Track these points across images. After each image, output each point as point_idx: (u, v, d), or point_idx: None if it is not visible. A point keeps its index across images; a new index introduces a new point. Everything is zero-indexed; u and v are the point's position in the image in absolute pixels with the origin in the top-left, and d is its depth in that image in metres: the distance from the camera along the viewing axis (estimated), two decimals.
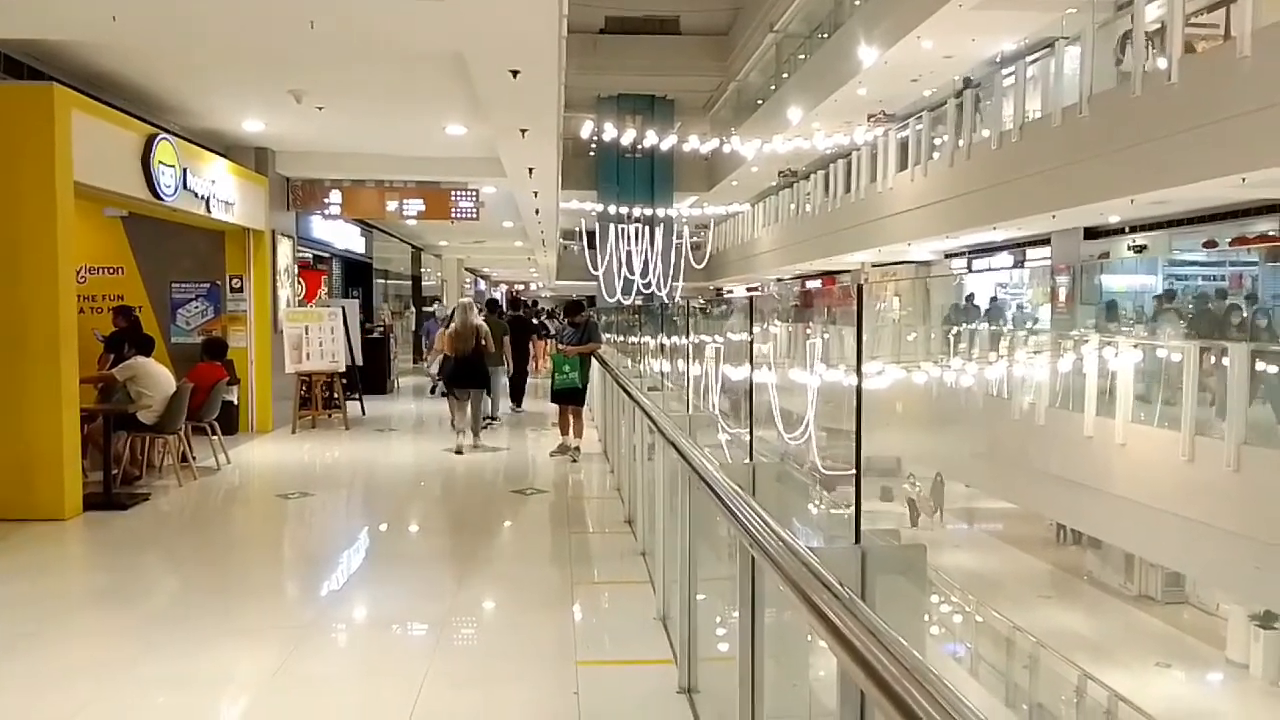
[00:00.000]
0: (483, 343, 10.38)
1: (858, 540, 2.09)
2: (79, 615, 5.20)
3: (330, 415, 12.35)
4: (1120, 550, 12.72)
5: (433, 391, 14.21)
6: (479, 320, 10.73)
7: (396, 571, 5.98)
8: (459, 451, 10.17)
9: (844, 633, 1.55)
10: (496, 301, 15.73)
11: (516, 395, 14.49)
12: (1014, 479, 11.90)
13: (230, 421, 10.51)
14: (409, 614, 5.13)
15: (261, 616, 5.04)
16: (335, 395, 12.41)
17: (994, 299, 17.82)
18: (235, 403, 10.82)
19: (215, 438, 9.02)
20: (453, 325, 10.63)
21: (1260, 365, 8.54)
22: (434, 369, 13.72)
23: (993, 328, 14.78)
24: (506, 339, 12.66)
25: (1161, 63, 10.53)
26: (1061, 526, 14.47)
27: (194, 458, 8.68)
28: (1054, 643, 11.08)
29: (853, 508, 2.17)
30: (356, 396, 13.41)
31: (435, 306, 16.25)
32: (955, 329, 15.09)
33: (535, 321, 18.78)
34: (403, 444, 11.53)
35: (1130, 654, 11.82)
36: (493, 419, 12.37)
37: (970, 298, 17.81)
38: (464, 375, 10.32)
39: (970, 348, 13.94)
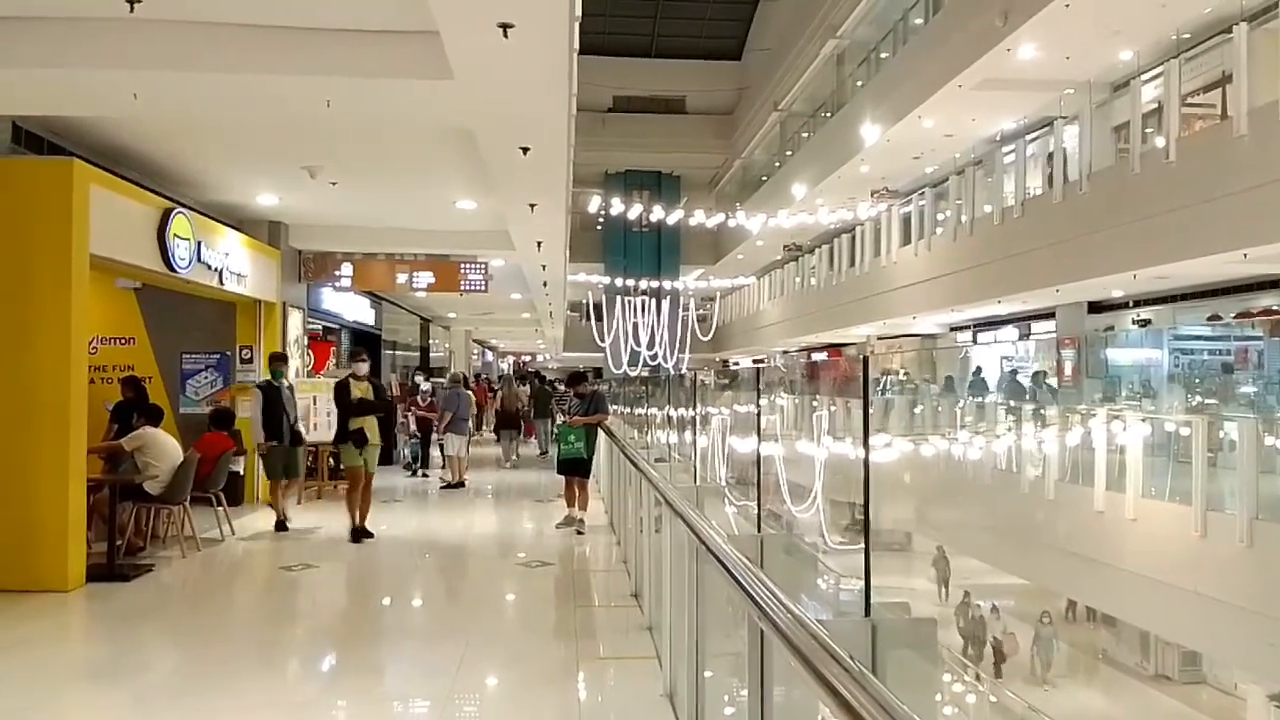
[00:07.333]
0: (520, 402, 17.66)
1: (868, 613, 2.07)
2: (76, 690, 5.12)
3: (336, 486, 12.30)
4: (1135, 628, 12.49)
5: (407, 468, 15.38)
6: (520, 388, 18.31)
7: (399, 646, 5.90)
8: (507, 466, 16.50)
9: (856, 708, 1.53)
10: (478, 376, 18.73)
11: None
12: (1023, 553, 11.75)
13: (236, 492, 10.48)
14: (411, 690, 5.05)
15: (262, 692, 4.96)
16: (341, 466, 12.35)
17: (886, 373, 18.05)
18: (241, 473, 10.80)
19: (220, 508, 8.99)
20: (500, 391, 18.85)
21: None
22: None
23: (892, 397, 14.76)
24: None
25: (1159, 141, 10.72)
26: (1072, 603, 14.21)
27: (195, 527, 8.63)
28: None
29: (862, 580, 2.16)
30: None
31: (436, 381, 16.36)
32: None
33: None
34: (408, 515, 11.45)
35: None
36: (544, 452, 17.80)
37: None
38: (505, 423, 17.29)
39: (978, 421, 13.89)
